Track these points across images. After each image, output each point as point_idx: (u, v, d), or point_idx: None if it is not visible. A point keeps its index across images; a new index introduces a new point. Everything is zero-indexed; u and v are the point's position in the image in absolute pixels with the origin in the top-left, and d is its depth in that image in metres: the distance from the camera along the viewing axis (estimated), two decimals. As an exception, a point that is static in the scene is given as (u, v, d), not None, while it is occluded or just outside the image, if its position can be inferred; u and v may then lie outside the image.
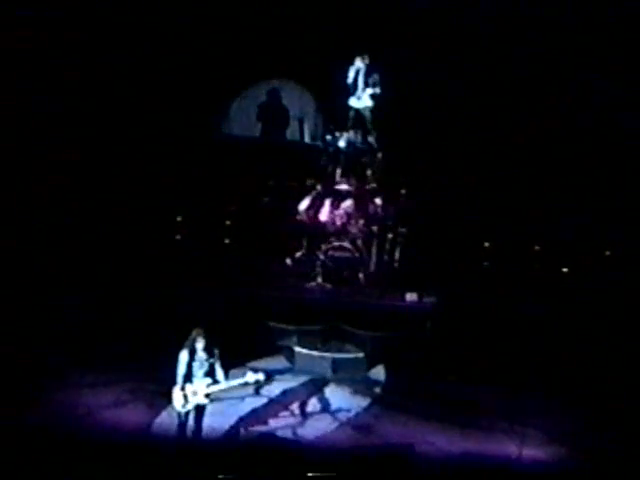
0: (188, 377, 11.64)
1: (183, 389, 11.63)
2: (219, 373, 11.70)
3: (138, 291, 15.50)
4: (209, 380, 11.65)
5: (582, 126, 17.22)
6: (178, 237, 17.21)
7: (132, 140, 17.54)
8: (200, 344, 11.60)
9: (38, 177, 16.98)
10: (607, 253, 16.84)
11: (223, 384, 11.71)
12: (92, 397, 13.33)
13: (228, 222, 17.21)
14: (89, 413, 12.93)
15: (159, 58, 17.84)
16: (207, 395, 11.70)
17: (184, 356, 11.63)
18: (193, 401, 11.66)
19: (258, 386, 13.62)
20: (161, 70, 17.84)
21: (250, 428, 12.94)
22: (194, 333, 11.66)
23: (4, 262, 15.65)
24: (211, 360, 11.64)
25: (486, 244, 17.07)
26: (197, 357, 11.62)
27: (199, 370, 11.64)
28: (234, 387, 11.84)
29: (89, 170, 17.32)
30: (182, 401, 11.66)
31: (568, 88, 17.34)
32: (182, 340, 11.76)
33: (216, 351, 11.68)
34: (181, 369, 11.62)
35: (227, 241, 16.90)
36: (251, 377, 11.70)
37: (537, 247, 16.98)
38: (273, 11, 17.84)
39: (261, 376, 11.77)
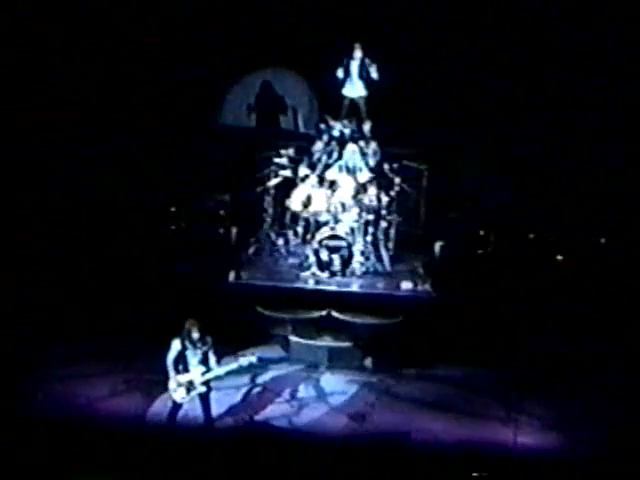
0: (182, 365, 11.69)
1: (178, 380, 11.66)
2: (212, 360, 11.74)
3: (133, 281, 15.53)
4: (203, 368, 11.69)
5: (579, 113, 17.21)
6: (172, 227, 17.25)
7: (126, 130, 17.49)
8: (195, 335, 11.65)
9: (34, 167, 16.98)
10: (602, 241, 16.87)
11: (218, 370, 11.76)
12: (88, 388, 13.32)
13: (222, 212, 17.23)
14: (85, 404, 12.92)
15: (154, 48, 17.79)
16: (204, 383, 11.74)
17: (176, 344, 11.68)
18: (193, 391, 11.73)
19: (254, 373, 13.74)
20: (155, 60, 17.80)
21: (245, 417, 12.94)
22: (188, 324, 11.68)
23: (2, 254, 15.66)
24: (204, 348, 11.69)
25: (481, 232, 17.10)
26: (191, 346, 11.65)
27: (193, 358, 11.69)
28: (230, 372, 11.90)
29: (83, 160, 17.30)
30: (183, 393, 11.72)
31: (566, 76, 17.32)
32: (177, 330, 11.75)
33: (209, 339, 11.73)
34: (171, 356, 11.68)
35: (221, 231, 16.89)
36: (244, 360, 11.81)
37: (532, 235, 17.00)
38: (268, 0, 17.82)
39: (254, 358, 11.89)
